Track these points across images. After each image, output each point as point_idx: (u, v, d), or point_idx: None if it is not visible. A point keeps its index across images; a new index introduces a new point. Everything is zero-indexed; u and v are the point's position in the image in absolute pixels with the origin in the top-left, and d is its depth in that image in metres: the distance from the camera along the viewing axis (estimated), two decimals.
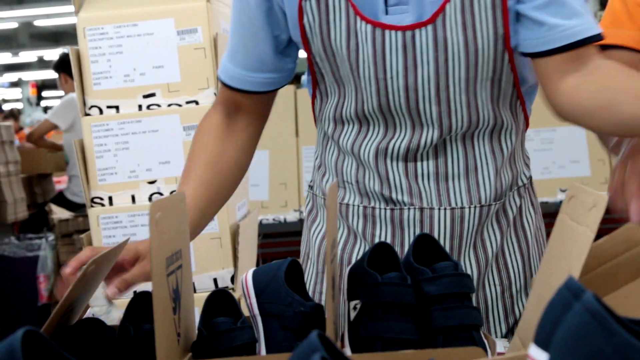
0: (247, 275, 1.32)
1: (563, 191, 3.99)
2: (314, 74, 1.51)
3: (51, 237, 5.39)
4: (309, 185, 1.66)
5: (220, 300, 1.25)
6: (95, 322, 1.16)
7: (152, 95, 2.71)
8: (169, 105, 2.71)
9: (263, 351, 1.24)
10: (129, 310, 1.18)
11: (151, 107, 2.72)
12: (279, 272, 1.28)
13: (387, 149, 1.46)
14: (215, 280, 2.67)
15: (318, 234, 1.59)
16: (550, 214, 4.05)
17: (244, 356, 1.12)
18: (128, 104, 2.71)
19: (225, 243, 2.68)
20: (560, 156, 4.08)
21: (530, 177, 1.62)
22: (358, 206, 1.52)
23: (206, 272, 2.67)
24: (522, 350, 1.08)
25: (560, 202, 3.92)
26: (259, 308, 1.27)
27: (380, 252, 1.26)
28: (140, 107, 2.72)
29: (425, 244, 1.27)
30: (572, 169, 4.06)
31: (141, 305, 1.20)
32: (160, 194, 2.71)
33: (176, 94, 2.68)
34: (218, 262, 2.68)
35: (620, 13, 1.76)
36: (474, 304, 1.46)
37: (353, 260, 1.53)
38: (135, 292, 1.34)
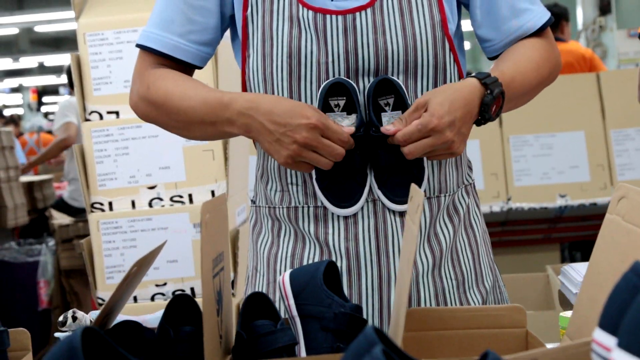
0: (284, 276, 1.32)
1: (562, 196, 3.99)
2: (244, 84, 1.54)
3: (51, 242, 5.39)
4: (251, 200, 1.66)
5: (258, 303, 1.25)
6: (133, 324, 1.16)
7: None
8: None
9: (303, 353, 1.24)
10: (167, 313, 1.18)
11: None
12: (316, 274, 1.28)
13: None
14: None
15: (265, 246, 1.59)
16: (550, 219, 4.05)
17: (288, 358, 1.13)
18: (128, 109, 2.71)
19: None
20: (559, 162, 4.08)
21: (474, 182, 1.64)
22: (307, 207, 1.52)
23: None
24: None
25: (560, 207, 3.93)
26: (297, 309, 1.28)
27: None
28: None
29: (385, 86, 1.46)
30: (572, 174, 4.06)
31: (179, 307, 1.20)
32: (160, 199, 2.71)
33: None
34: None
35: None
36: (431, 294, 1.52)
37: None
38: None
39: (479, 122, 1.45)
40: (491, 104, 1.41)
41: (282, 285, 1.31)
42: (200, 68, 1.60)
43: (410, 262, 1.07)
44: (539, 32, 1.56)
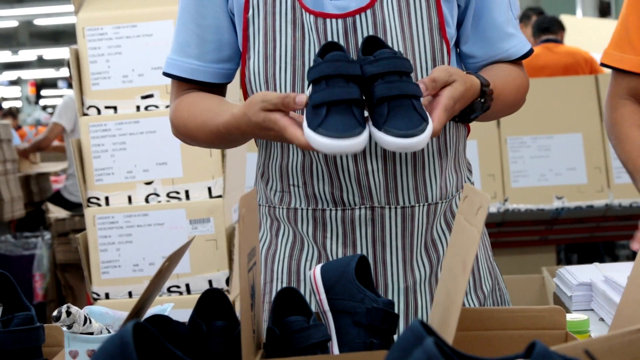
0: (315, 270, 1.32)
1: (559, 198, 4.00)
2: (245, 85, 1.54)
3: (47, 235, 5.39)
4: None
5: (289, 298, 1.24)
6: (164, 319, 1.15)
7: (151, 96, 2.72)
8: (167, 106, 2.71)
9: (335, 349, 1.24)
10: (199, 307, 1.18)
11: (149, 108, 2.72)
12: (348, 268, 1.28)
13: None
14: (210, 281, 2.67)
15: (263, 244, 1.59)
16: (546, 221, 4.05)
17: (322, 355, 1.13)
18: (126, 104, 2.71)
19: (220, 245, 2.68)
20: (556, 163, 4.08)
21: (473, 184, 1.64)
22: (307, 209, 1.53)
23: (201, 274, 2.67)
24: None
25: (557, 209, 3.93)
26: (329, 304, 1.27)
27: None
28: (138, 107, 2.72)
29: (373, 44, 1.37)
30: (569, 176, 4.06)
31: (210, 302, 1.19)
32: (157, 194, 2.71)
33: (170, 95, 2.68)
34: (213, 264, 2.68)
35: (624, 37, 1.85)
36: (428, 302, 1.51)
37: (302, 267, 1.53)
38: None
39: (453, 119, 1.47)
40: (477, 109, 1.43)
41: (313, 280, 1.31)
42: (226, 84, 1.63)
43: (467, 270, 1.04)
44: (517, 59, 1.61)
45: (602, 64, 1.92)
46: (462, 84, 1.36)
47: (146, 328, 0.87)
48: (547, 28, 5.47)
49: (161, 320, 1.14)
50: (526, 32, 5.78)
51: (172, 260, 1.15)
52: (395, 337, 1.29)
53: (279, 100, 1.31)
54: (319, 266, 1.33)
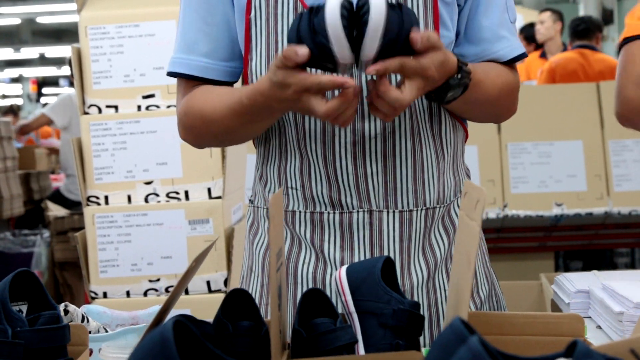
0: (340, 272, 1.32)
1: (559, 205, 3.99)
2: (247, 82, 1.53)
3: (46, 234, 5.39)
4: (249, 200, 1.65)
5: (315, 300, 1.24)
6: (189, 318, 1.15)
7: (152, 96, 2.72)
8: (168, 106, 2.71)
9: (362, 350, 1.24)
10: (224, 307, 1.18)
11: (150, 107, 2.72)
12: (374, 270, 1.28)
13: (333, 137, 1.47)
14: (208, 282, 2.67)
15: (261, 247, 1.59)
16: (545, 227, 4.05)
17: (349, 356, 1.12)
18: (127, 104, 2.71)
19: (219, 246, 2.68)
20: (557, 170, 4.08)
21: None
22: (305, 212, 1.52)
23: (199, 275, 2.67)
24: None
25: (556, 216, 3.93)
26: (354, 305, 1.28)
27: None
28: (139, 107, 2.72)
29: None
30: (569, 183, 4.06)
31: (236, 302, 1.19)
32: (156, 194, 2.71)
33: (176, 96, 2.68)
34: (212, 265, 2.68)
35: None
36: (425, 306, 1.51)
37: (299, 270, 1.53)
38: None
39: (430, 97, 1.42)
40: (454, 87, 1.38)
41: (338, 281, 1.31)
42: (234, 83, 1.60)
43: (471, 263, 1.04)
44: (510, 62, 1.59)
45: (628, 38, 1.88)
46: (443, 54, 1.32)
47: (185, 325, 0.87)
48: (583, 33, 5.47)
49: (186, 319, 1.15)
50: (554, 27, 5.91)
51: (198, 260, 1.15)
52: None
53: (284, 53, 1.27)
54: (344, 267, 1.34)
